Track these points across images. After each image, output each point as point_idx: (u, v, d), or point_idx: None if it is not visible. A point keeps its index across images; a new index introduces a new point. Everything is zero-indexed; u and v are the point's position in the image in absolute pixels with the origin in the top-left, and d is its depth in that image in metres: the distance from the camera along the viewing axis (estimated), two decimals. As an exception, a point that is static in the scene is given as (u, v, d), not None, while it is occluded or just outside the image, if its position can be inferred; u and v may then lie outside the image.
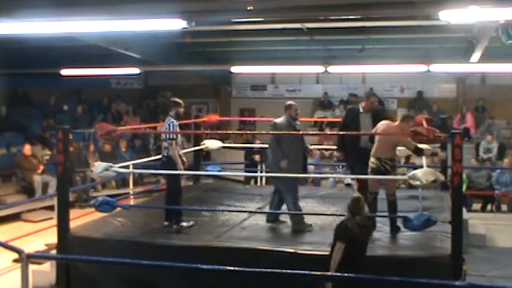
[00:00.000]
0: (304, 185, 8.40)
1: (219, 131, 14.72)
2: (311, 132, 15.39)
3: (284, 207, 6.95)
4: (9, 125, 14.22)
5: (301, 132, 6.91)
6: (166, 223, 6.64)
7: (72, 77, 14.17)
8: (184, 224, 6.55)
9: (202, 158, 10.98)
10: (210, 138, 9.91)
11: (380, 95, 16.62)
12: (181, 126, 7.08)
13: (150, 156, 11.60)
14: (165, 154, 6.64)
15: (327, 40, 12.64)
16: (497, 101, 15.52)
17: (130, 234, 6.40)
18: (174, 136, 6.59)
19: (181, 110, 6.88)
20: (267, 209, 7.76)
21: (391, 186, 6.52)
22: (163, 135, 6.76)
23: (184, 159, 6.85)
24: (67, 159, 6.22)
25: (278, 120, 7.03)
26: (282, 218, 6.99)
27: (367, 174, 6.57)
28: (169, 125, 6.65)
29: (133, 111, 17.07)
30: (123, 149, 14.20)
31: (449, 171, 6.57)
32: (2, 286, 6.84)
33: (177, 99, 6.92)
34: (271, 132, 7.15)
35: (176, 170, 6.60)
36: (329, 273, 4.66)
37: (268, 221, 6.95)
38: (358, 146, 7.00)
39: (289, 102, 7.16)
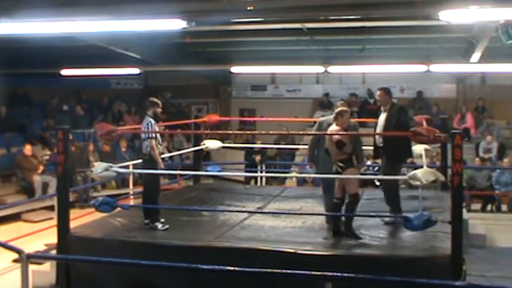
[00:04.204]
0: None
1: (219, 131, 14.72)
2: (311, 132, 15.40)
3: None
4: (9, 125, 14.23)
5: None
6: (146, 221, 6.66)
7: (72, 77, 14.19)
8: (159, 225, 6.55)
9: (202, 158, 10.98)
10: (210, 138, 9.90)
11: (380, 95, 16.70)
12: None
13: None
14: (147, 153, 6.67)
15: (327, 40, 12.65)
16: (497, 101, 15.54)
17: (130, 234, 6.39)
18: (154, 135, 6.63)
19: (159, 110, 6.90)
20: (267, 209, 7.77)
21: (349, 186, 6.17)
22: (142, 135, 6.78)
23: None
24: (67, 159, 6.20)
25: (323, 117, 7.01)
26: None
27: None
28: (147, 124, 6.69)
29: (134, 111, 17.07)
30: (123, 149, 14.20)
31: (449, 171, 6.57)
32: (2, 286, 6.83)
33: (155, 99, 6.92)
34: (271, 132, 7.14)
35: (157, 168, 6.65)
36: (329, 274, 4.65)
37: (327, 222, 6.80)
38: (376, 145, 6.84)
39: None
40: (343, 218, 6.26)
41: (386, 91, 6.91)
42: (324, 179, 6.86)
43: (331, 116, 6.68)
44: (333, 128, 6.31)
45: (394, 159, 6.80)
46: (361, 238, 6.06)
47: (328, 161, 6.45)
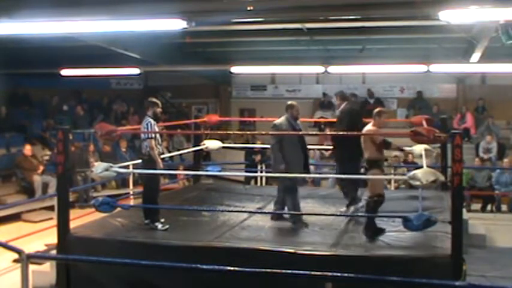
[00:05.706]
0: (304, 186, 8.48)
1: (219, 131, 14.71)
2: (311, 132, 15.42)
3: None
4: (9, 125, 14.23)
5: (300, 132, 6.90)
6: (146, 221, 6.67)
7: (72, 77, 14.18)
8: (159, 225, 6.56)
9: (202, 158, 10.98)
10: (210, 139, 9.90)
11: (380, 95, 16.74)
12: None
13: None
14: (146, 153, 6.68)
15: (327, 40, 12.65)
16: (497, 101, 15.53)
17: (130, 234, 6.39)
18: (153, 135, 6.64)
19: (159, 110, 6.91)
20: (267, 209, 7.78)
21: (371, 187, 6.31)
22: (142, 135, 6.79)
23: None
24: (67, 159, 6.21)
25: (278, 121, 7.03)
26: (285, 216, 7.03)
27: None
28: (147, 124, 6.71)
29: (132, 111, 17.06)
30: (123, 149, 14.19)
31: (449, 171, 6.57)
32: (2, 286, 6.84)
33: (154, 99, 6.95)
34: (270, 132, 7.14)
35: (156, 168, 6.66)
36: (329, 274, 4.65)
37: (272, 218, 7.02)
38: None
39: (290, 102, 7.19)
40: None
41: (338, 96, 7.71)
42: (282, 179, 7.05)
43: (284, 117, 6.96)
44: (370, 127, 6.37)
45: (347, 159, 7.09)
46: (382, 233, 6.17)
47: (296, 162, 6.69)
